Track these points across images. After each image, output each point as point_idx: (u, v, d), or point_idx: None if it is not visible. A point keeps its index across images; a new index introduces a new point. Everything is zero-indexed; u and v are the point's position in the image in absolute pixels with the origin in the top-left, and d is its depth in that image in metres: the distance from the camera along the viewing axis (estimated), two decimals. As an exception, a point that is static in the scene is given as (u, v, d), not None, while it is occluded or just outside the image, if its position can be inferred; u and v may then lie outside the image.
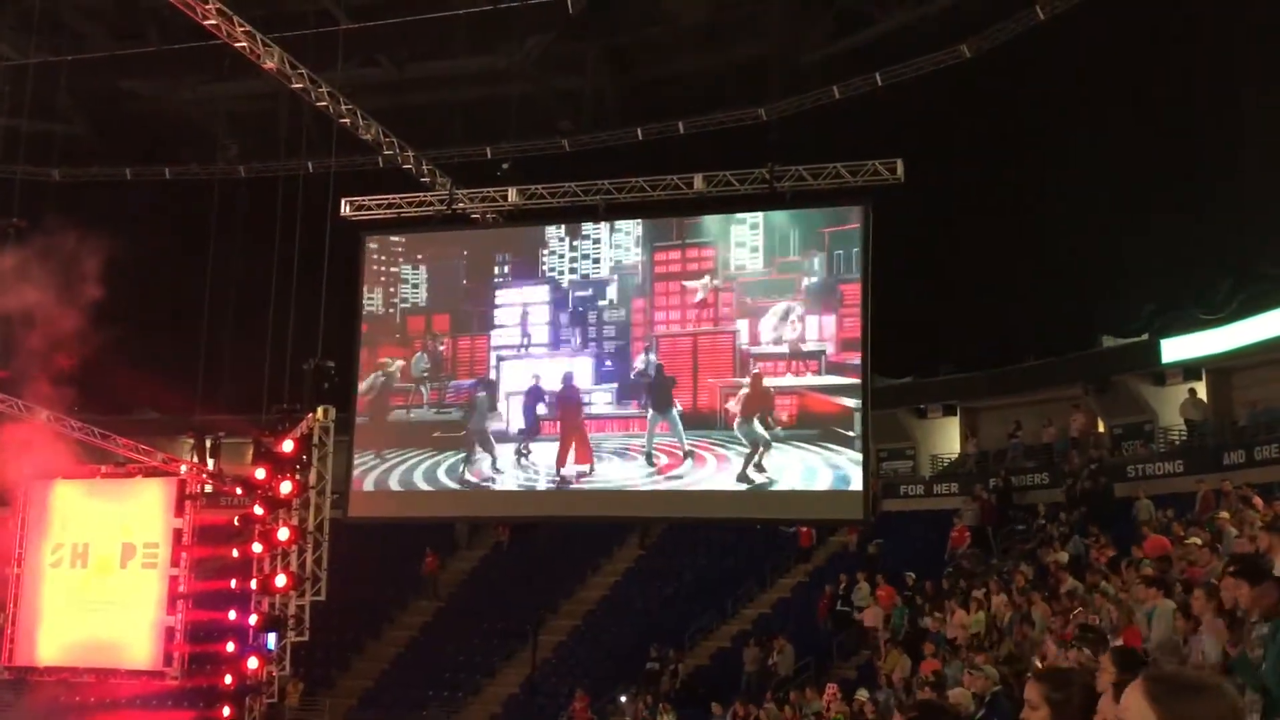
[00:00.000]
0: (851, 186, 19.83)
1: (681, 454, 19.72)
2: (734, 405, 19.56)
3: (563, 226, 21.14)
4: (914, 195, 20.27)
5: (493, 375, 21.04)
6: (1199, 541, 14.03)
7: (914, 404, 26.66)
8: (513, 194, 22.10)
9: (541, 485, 20.46)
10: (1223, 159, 21.58)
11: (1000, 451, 25.00)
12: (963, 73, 24.56)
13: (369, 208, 22.44)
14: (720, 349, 19.98)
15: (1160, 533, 16.48)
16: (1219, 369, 22.68)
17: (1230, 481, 17.94)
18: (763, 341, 19.54)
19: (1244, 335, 21.51)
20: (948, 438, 26.59)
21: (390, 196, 22.45)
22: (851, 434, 19.02)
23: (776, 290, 19.73)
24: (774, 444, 19.28)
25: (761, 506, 20.17)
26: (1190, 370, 22.80)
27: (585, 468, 20.21)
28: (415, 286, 21.80)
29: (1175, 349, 22.60)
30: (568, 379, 20.50)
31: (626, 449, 20.20)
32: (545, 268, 21.06)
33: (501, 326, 21.15)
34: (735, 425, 19.41)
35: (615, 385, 20.41)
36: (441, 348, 21.50)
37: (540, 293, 21.04)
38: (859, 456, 18.97)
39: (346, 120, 21.29)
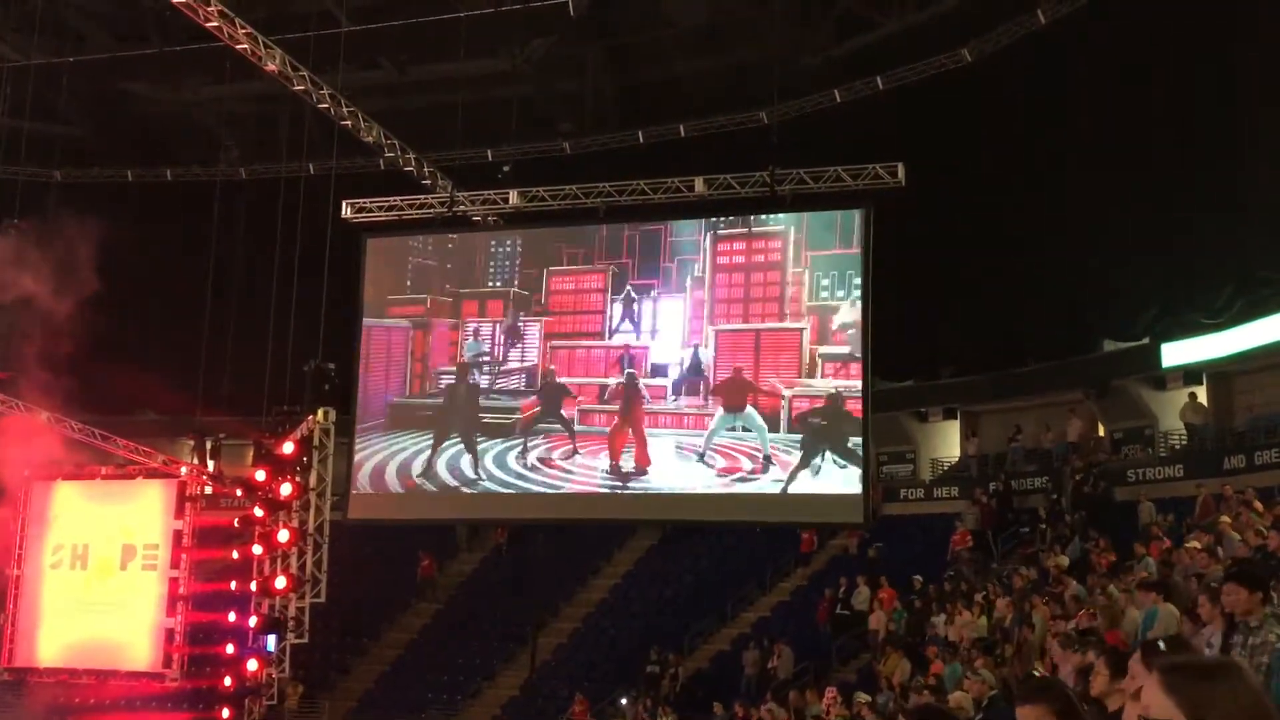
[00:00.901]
0: (852, 190, 19.85)
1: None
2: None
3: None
4: (915, 199, 20.28)
5: (543, 362, 21.03)
6: (1198, 545, 14.03)
7: (914, 407, 26.63)
8: (514, 196, 22.13)
9: (598, 485, 20.37)
10: (1224, 163, 21.56)
11: (1000, 455, 24.98)
12: (964, 76, 24.56)
13: (370, 210, 22.47)
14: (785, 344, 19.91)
15: (1165, 535, 16.50)
16: (1219, 373, 22.65)
17: (1230, 486, 17.92)
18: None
19: (1245, 340, 21.49)
20: (948, 441, 26.57)
21: (391, 199, 22.48)
22: (854, 438, 19.05)
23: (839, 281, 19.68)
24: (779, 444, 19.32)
25: (761, 510, 20.17)
26: (1191, 374, 22.77)
27: (643, 466, 20.09)
28: (469, 268, 21.79)
29: (1176, 353, 22.58)
30: (630, 373, 20.43)
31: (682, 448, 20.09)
32: (603, 254, 21.01)
33: (557, 313, 21.10)
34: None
35: (669, 380, 20.33)
36: (487, 332, 21.48)
37: (596, 280, 20.99)
38: (860, 459, 19.00)
39: (348, 122, 21.30)
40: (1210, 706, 2.18)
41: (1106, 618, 10.88)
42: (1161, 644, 3.72)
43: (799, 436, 19.29)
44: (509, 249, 21.88)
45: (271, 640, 20.55)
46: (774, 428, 19.47)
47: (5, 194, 25.24)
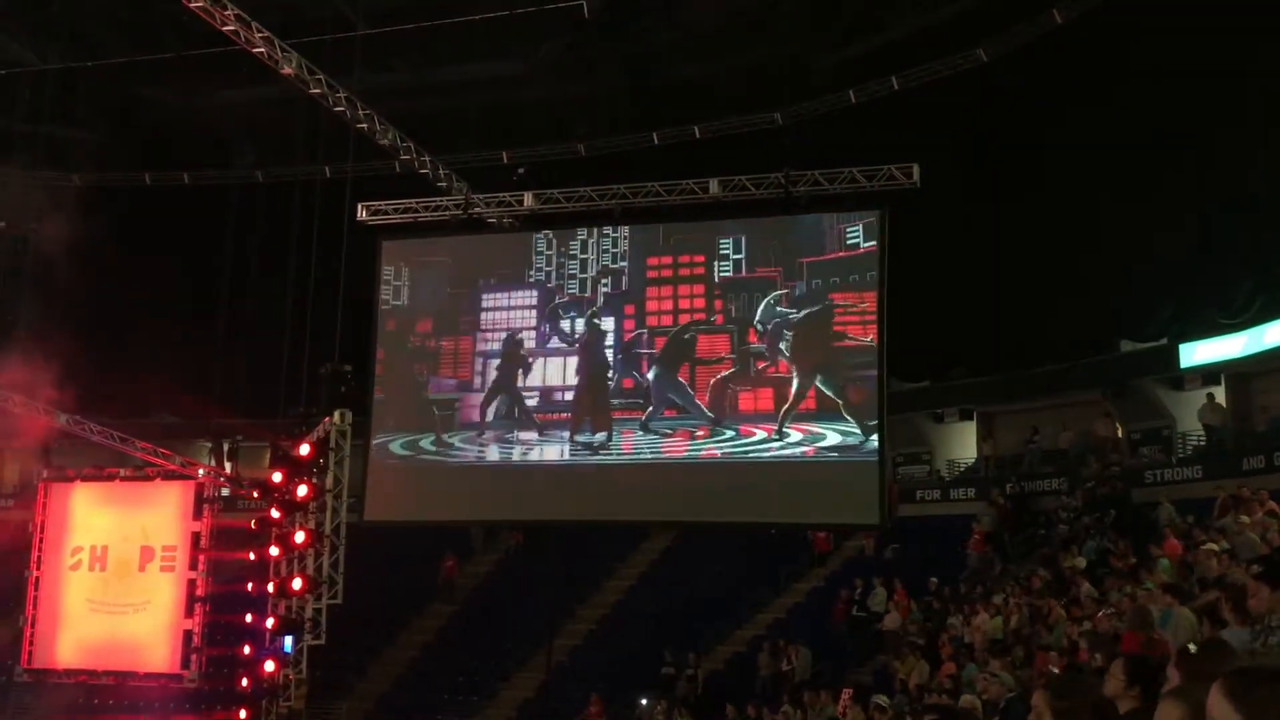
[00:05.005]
0: (867, 191, 19.82)
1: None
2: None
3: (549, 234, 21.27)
4: (930, 199, 20.23)
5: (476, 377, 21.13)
6: (1215, 548, 13.96)
7: (930, 408, 26.56)
8: (529, 198, 22.18)
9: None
10: (1241, 161, 21.45)
11: (1017, 456, 24.88)
12: (979, 76, 24.49)
13: (385, 212, 22.53)
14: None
15: (1180, 538, 16.40)
16: (1238, 374, 22.52)
17: (1249, 487, 17.80)
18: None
19: (1263, 340, 21.37)
20: (964, 442, 26.49)
21: (407, 201, 22.54)
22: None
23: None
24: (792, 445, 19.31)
25: (777, 511, 20.14)
26: (1209, 375, 22.64)
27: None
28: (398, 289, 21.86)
29: (1194, 353, 22.47)
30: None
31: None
32: (533, 272, 21.16)
33: (488, 330, 21.22)
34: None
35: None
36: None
37: (528, 297, 21.11)
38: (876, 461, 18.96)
39: (364, 125, 21.36)
40: (1271, 712, 2.16)
41: (1138, 619, 10.71)
42: (1191, 647, 3.71)
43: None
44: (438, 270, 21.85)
45: (288, 641, 20.61)
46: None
47: (25, 198, 25.42)
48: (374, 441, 21.38)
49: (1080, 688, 3.77)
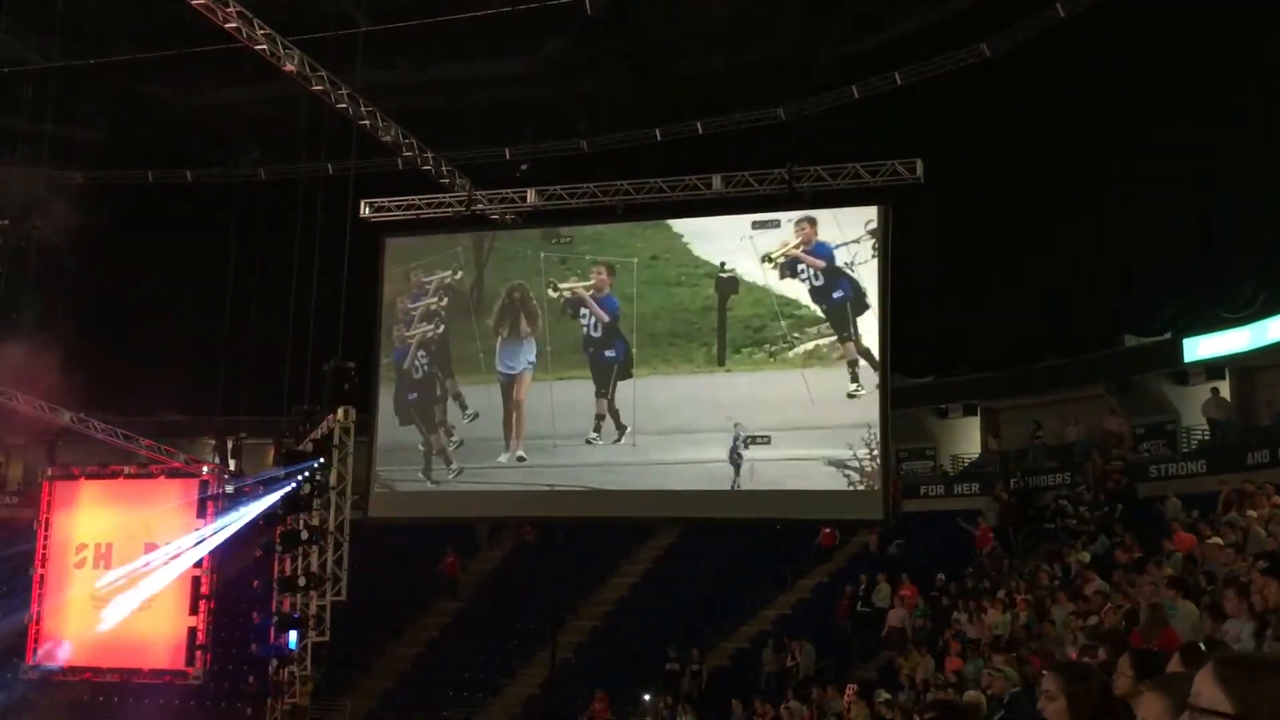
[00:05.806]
0: (871, 186, 19.82)
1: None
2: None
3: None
4: (933, 195, 20.21)
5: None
6: (1221, 541, 13.95)
7: (934, 404, 26.54)
8: (532, 195, 22.18)
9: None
10: (1246, 156, 21.40)
11: (1021, 451, 24.85)
12: (982, 72, 24.46)
13: (388, 209, 22.55)
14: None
15: (1187, 532, 16.38)
16: (1242, 368, 22.49)
17: (1253, 482, 17.78)
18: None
19: (1267, 334, 21.34)
20: (968, 438, 26.47)
21: (410, 198, 22.56)
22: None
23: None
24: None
25: (780, 507, 20.14)
26: (1213, 369, 22.61)
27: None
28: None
29: (1198, 348, 22.44)
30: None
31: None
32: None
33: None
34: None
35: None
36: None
37: None
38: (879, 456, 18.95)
39: (366, 122, 21.38)
40: (1261, 700, 2.16)
41: (1152, 618, 10.66)
42: (1202, 645, 3.71)
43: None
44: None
45: (293, 638, 20.63)
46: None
47: (28, 196, 25.45)
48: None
49: (1092, 671, 3.77)
